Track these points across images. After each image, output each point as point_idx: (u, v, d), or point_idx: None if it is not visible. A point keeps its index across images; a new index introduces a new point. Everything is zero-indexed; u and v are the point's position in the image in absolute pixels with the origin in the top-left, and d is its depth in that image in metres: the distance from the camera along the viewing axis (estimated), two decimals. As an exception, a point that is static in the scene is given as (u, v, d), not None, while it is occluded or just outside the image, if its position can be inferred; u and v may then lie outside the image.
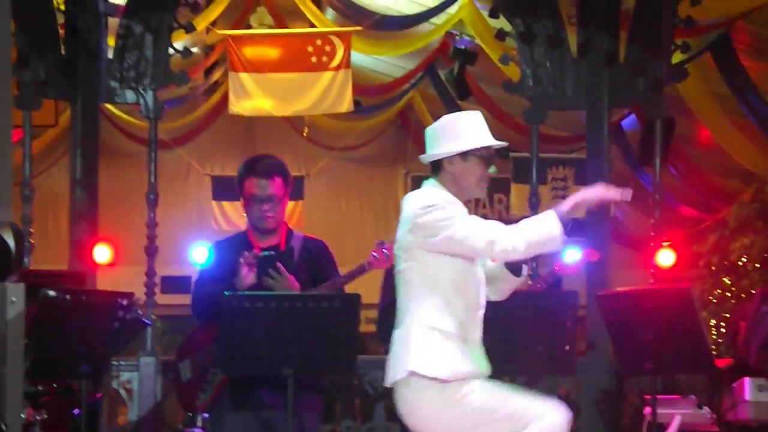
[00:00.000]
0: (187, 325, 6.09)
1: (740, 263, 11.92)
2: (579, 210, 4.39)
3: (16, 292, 4.69)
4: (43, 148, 12.83)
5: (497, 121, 11.13)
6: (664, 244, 9.25)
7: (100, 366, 5.75)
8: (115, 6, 9.46)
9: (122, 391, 9.10)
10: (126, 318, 5.74)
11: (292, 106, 11.28)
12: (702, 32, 9.99)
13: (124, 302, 5.69)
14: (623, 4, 9.24)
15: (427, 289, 4.40)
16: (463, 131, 4.48)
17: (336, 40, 10.98)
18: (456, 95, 12.04)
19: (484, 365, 4.47)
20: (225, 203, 13.98)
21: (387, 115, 14.06)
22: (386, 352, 6.16)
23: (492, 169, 4.51)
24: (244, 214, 5.74)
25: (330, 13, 12.15)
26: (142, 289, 9.18)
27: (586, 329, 8.47)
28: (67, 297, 5.46)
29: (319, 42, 10.98)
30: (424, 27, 11.80)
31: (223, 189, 13.91)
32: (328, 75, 10.96)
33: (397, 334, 4.45)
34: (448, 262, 4.39)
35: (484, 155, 4.48)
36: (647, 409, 7.02)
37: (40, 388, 6.08)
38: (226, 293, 5.18)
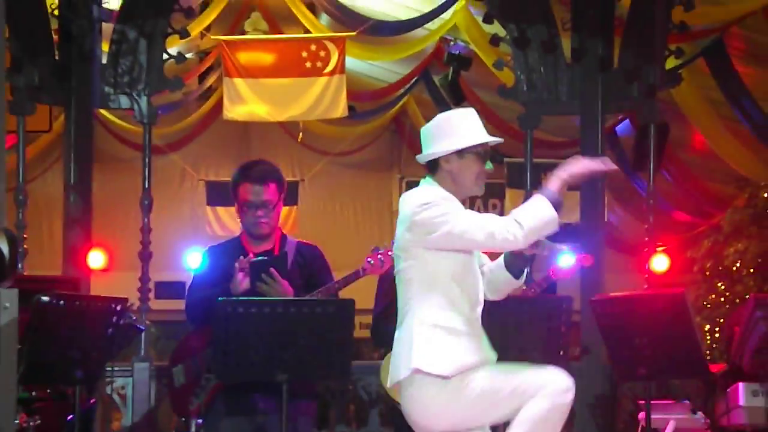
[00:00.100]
0: (181, 330, 6.08)
1: (734, 268, 11.93)
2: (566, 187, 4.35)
3: (9, 298, 4.67)
4: (37, 154, 12.82)
5: (491, 126, 11.13)
6: (659, 249, 9.27)
7: (93, 372, 5.74)
8: (109, 11, 9.46)
9: (116, 397, 9.09)
10: (120, 323, 5.74)
11: (286, 112, 11.29)
12: (696, 38, 10.01)
13: (118, 308, 5.68)
14: (617, 10, 9.25)
15: (427, 287, 4.40)
16: (458, 129, 4.48)
17: (330, 46, 10.99)
18: (450, 100, 12.05)
19: (489, 352, 4.47)
20: (219, 208, 13.98)
21: (381, 121, 14.07)
22: (380, 357, 6.19)
23: (488, 166, 4.51)
24: (239, 220, 5.74)
25: (324, 18, 12.16)
26: (136, 295, 9.17)
27: (580, 334, 8.47)
28: (61, 302, 5.45)
29: (313, 47, 11.00)
30: (419, 32, 11.81)
31: (218, 194, 13.90)
32: (322, 80, 10.98)
33: (399, 334, 4.45)
34: (448, 258, 4.39)
35: (480, 152, 4.48)
36: (641, 414, 7.02)
37: (33, 393, 6.07)
38: (220, 298, 5.17)
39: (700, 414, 7.71)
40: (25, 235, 8.89)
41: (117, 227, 11.83)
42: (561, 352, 5.78)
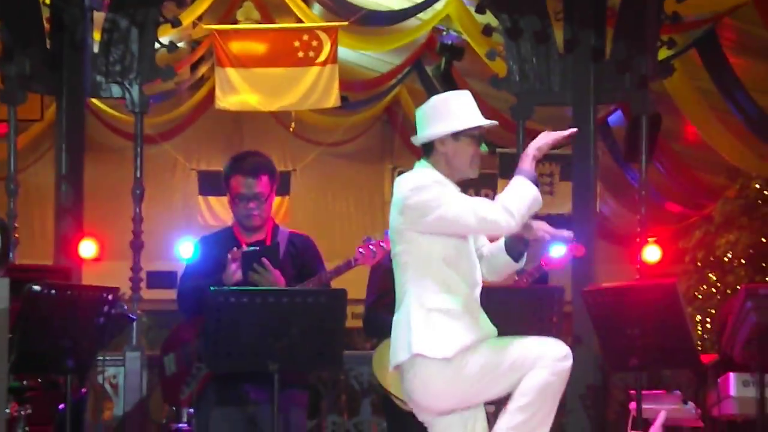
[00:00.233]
0: (173, 320, 6.07)
1: (726, 259, 11.96)
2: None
3: (0, 287, 4.68)
4: (29, 143, 12.80)
5: (483, 116, 11.12)
6: (650, 239, 9.27)
7: (85, 361, 5.73)
8: (101, 0, 9.43)
9: (107, 386, 9.08)
10: (111, 313, 5.73)
11: (278, 101, 11.28)
12: (688, 28, 10.01)
13: (110, 297, 5.67)
14: (609, 1, 9.25)
15: (422, 271, 4.41)
16: (453, 111, 4.49)
17: (323, 36, 10.98)
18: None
19: (488, 329, 4.48)
20: (211, 198, 13.97)
21: (374, 111, 14.06)
22: (372, 347, 6.19)
23: (483, 148, 4.52)
24: (231, 210, 5.73)
25: (317, 8, 12.14)
26: (128, 284, 9.16)
27: (571, 325, 8.49)
28: (53, 292, 5.44)
29: (305, 37, 10.98)
30: (411, 22, 11.79)
31: (210, 184, 13.89)
32: (314, 70, 10.96)
33: (397, 317, 4.46)
34: (441, 241, 4.40)
35: (475, 135, 4.50)
36: (632, 404, 7.04)
37: (25, 383, 6.06)
38: (212, 288, 5.17)
39: (691, 404, 7.73)
40: (16, 225, 8.87)
41: (108, 217, 11.79)
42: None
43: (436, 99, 4.57)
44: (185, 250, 11.31)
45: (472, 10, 10.07)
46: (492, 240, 4.67)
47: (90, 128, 10.54)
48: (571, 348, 4.46)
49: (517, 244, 4.56)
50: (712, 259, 12.06)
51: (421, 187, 4.38)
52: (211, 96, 11.65)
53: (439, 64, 12.15)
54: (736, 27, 10.29)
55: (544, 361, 4.33)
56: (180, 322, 5.80)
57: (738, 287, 10.43)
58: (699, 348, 8.71)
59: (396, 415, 5.78)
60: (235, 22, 12.45)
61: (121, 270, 9.57)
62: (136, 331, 9.26)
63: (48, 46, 9.06)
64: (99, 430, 8.91)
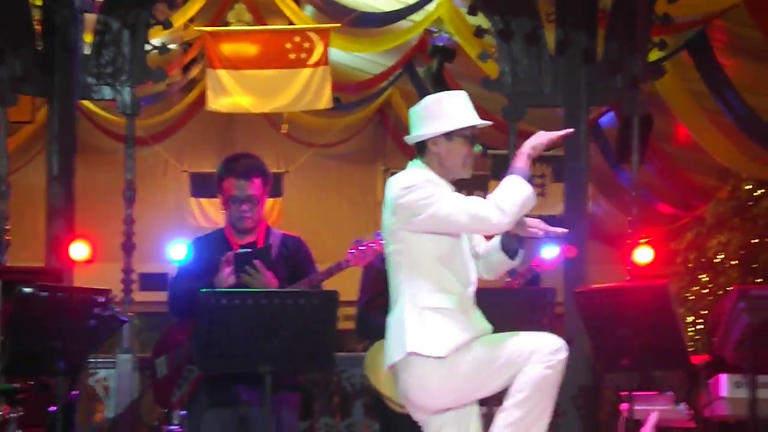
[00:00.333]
0: (165, 322, 6.06)
1: (717, 260, 11.97)
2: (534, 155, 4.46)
3: (-9, 289, 4.67)
4: (20, 145, 12.76)
5: (476, 117, 11.12)
6: (642, 241, 9.29)
7: (76, 363, 5.73)
8: (92, 2, 9.42)
9: (99, 389, 9.07)
10: (103, 315, 5.72)
11: (270, 103, 11.27)
12: (679, 30, 10.02)
13: (101, 299, 5.66)
14: (601, 2, 9.27)
15: (415, 270, 4.41)
16: (447, 111, 4.49)
17: (314, 37, 10.97)
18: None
19: (483, 325, 4.48)
20: (203, 200, 13.94)
21: (366, 112, 14.05)
22: (364, 349, 6.19)
23: (477, 148, 4.52)
24: (223, 212, 5.73)
25: (308, 9, 12.13)
26: (120, 286, 9.16)
27: (563, 326, 8.49)
28: (44, 294, 5.43)
29: (297, 39, 10.97)
30: (403, 24, 11.79)
31: (202, 186, 13.86)
32: (306, 72, 10.95)
33: (392, 317, 4.46)
34: (433, 240, 4.40)
35: (468, 135, 4.49)
36: (624, 406, 7.04)
37: (16, 385, 6.05)
38: (204, 290, 5.16)
39: (683, 405, 7.73)
40: (7, 227, 8.86)
41: (100, 218, 11.76)
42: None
43: (429, 98, 4.58)
44: (177, 251, 11.28)
45: (464, 12, 10.08)
46: (488, 239, 4.67)
47: (81, 130, 10.52)
48: (563, 349, 4.46)
49: (512, 242, 4.56)
50: (703, 260, 12.07)
51: (413, 186, 4.38)
52: (202, 98, 11.62)
53: (430, 66, 12.06)
54: (726, 28, 10.31)
55: (539, 355, 4.34)
56: (171, 325, 5.80)
57: (729, 288, 10.44)
58: (691, 349, 8.74)
59: (388, 416, 5.78)
60: (227, 24, 12.43)
61: (113, 272, 9.56)
62: (127, 333, 9.25)
63: (39, 48, 9.05)
64: (90, 433, 8.90)
